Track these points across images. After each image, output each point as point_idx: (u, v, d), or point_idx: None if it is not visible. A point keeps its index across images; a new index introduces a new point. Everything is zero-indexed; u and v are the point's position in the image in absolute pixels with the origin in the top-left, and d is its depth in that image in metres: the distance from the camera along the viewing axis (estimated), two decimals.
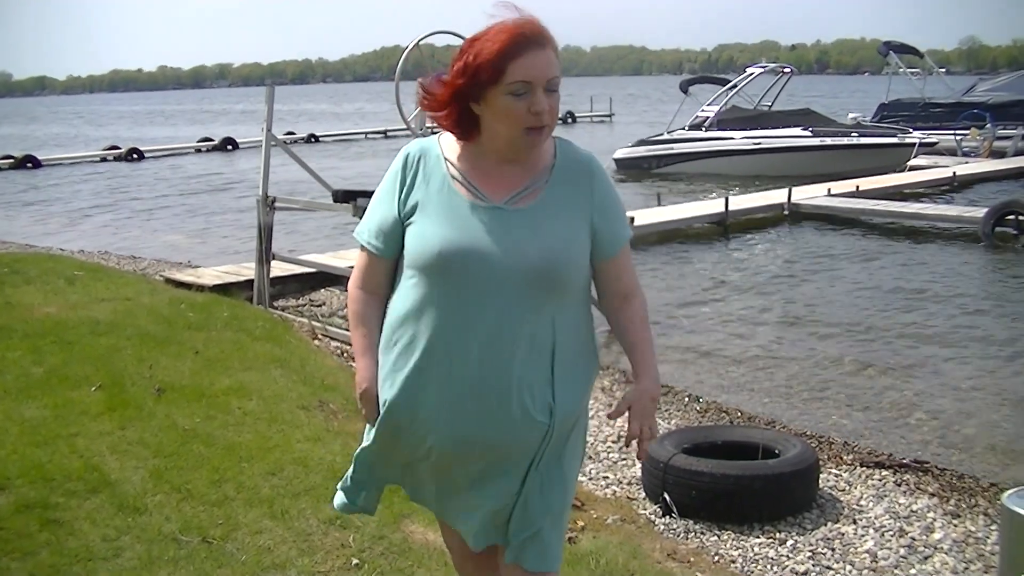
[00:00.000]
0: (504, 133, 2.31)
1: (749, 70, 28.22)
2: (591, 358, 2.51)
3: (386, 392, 2.44)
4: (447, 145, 2.44)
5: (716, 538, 4.85)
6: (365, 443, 2.56)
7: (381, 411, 2.45)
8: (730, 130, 24.86)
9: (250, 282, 10.16)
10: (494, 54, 2.23)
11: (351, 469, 2.62)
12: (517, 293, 2.28)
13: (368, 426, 2.56)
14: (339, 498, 2.67)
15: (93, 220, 20.53)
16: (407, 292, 2.39)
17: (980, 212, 14.93)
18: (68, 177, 30.22)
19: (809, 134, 23.96)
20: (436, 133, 2.51)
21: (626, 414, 2.46)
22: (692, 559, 4.52)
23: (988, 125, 26.19)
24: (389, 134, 44.39)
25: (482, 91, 2.27)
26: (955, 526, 5.05)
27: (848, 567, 4.60)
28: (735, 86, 26.77)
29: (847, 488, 5.54)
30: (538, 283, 2.29)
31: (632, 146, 26.51)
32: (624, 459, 6.01)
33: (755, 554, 4.70)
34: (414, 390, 2.38)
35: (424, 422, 2.39)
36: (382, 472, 2.60)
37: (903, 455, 6.23)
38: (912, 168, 22.50)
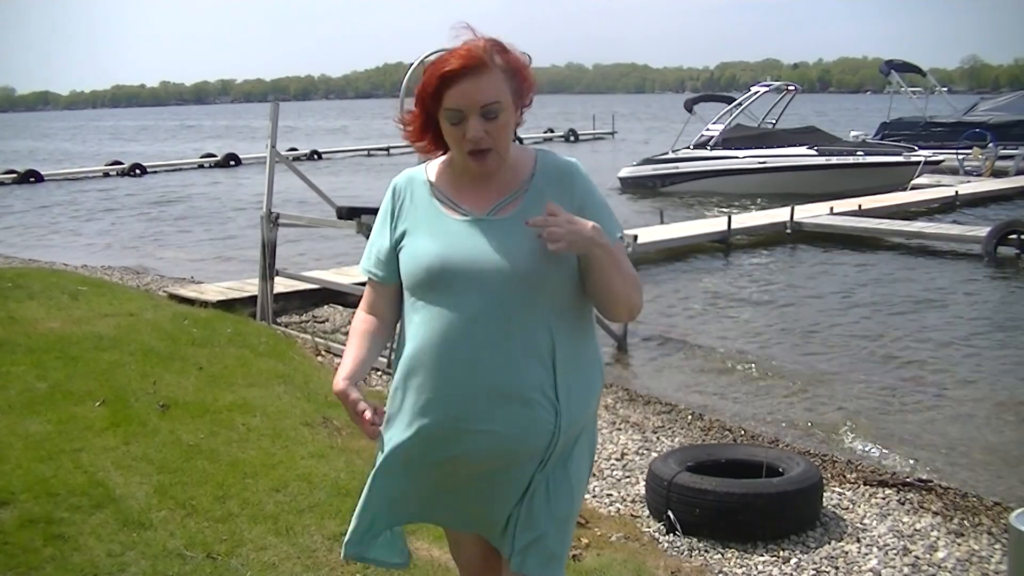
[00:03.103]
0: (457, 157, 2.42)
1: (754, 88, 28.16)
2: (595, 367, 2.53)
3: (394, 427, 2.47)
4: (431, 170, 2.54)
5: (720, 556, 4.85)
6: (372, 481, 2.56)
7: (385, 444, 2.48)
8: (735, 149, 24.84)
9: (253, 298, 10.17)
10: (430, 84, 2.33)
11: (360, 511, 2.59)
12: (505, 298, 2.33)
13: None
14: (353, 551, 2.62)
15: (96, 235, 20.57)
16: (409, 318, 2.46)
17: (982, 231, 14.94)
18: (71, 192, 30.29)
19: (814, 153, 23.97)
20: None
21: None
22: None
23: (990, 144, 26.21)
24: (392, 151, 44.44)
25: (435, 116, 2.38)
26: (959, 545, 5.04)
27: None
28: (740, 104, 26.77)
29: (851, 507, 5.53)
30: (524, 285, 2.33)
31: (637, 165, 26.50)
32: (628, 477, 6.00)
33: (759, 572, 4.68)
34: (420, 405, 2.41)
35: (430, 430, 2.41)
36: (393, 510, 2.58)
37: (906, 474, 6.22)
38: (914, 187, 22.51)
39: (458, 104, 2.30)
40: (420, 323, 2.40)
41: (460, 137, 2.34)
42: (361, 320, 2.57)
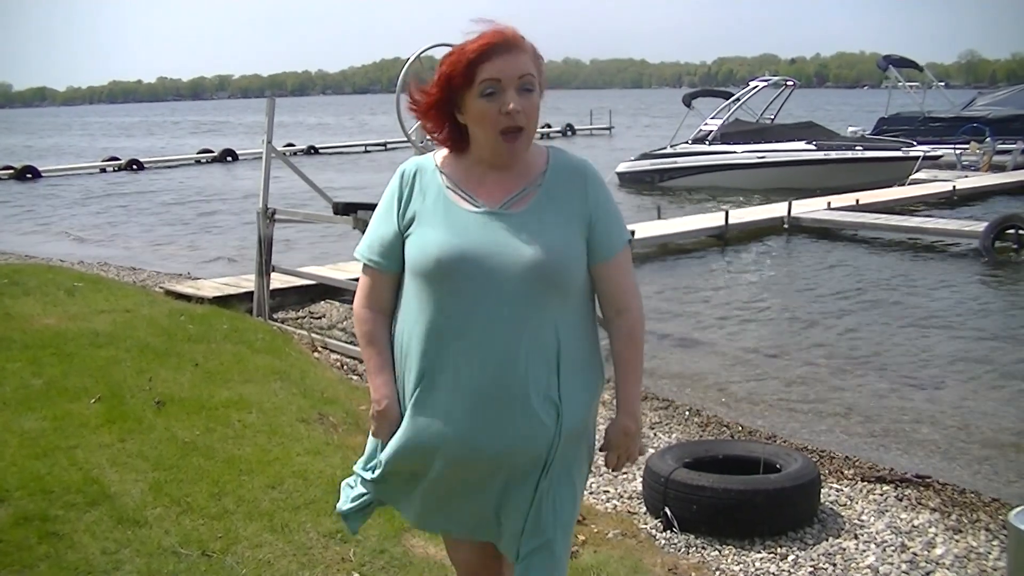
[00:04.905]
0: (483, 139, 2.36)
1: (752, 83, 28.20)
2: (596, 368, 2.51)
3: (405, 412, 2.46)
4: (441, 158, 2.49)
5: (717, 553, 4.83)
6: (373, 473, 2.56)
7: (399, 433, 2.47)
8: (733, 144, 24.84)
9: (250, 294, 10.15)
10: (465, 59, 2.31)
11: (356, 488, 2.64)
12: (516, 294, 2.29)
13: (373, 449, 2.57)
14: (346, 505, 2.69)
15: (92, 231, 20.52)
16: (409, 305, 2.42)
17: (980, 226, 14.93)
18: (68, 188, 30.22)
19: (812, 147, 23.97)
20: (434, 148, 2.55)
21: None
22: (693, 574, 4.51)
23: (988, 139, 26.19)
24: (389, 146, 44.42)
25: (460, 98, 2.34)
26: (957, 541, 5.03)
27: None
28: (738, 99, 26.76)
29: (848, 503, 5.52)
30: (536, 283, 2.30)
31: (635, 160, 26.47)
32: (625, 473, 5.98)
33: (756, 569, 4.67)
34: (424, 403, 2.40)
35: (434, 432, 2.39)
36: (384, 492, 2.60)
37: (904, 470, 6.21)
38: (912, 182, 22.52)
39: (496, 74, 2.29)
40: (426, 314, 2.36)
41: (495, 113, 2.30)
42: (369, 321, 2.51)
